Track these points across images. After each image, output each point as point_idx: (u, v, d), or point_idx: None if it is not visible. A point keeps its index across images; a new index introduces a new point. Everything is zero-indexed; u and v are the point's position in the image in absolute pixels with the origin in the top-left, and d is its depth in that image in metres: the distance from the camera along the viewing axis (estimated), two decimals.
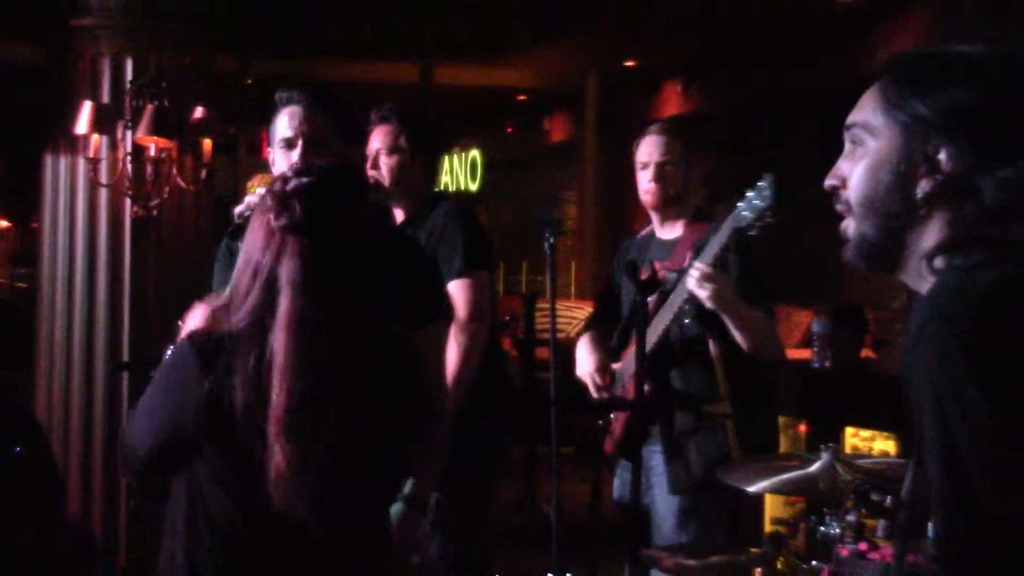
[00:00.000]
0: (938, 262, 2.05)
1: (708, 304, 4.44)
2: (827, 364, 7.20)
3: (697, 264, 4.44)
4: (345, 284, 2.89)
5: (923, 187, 2.05)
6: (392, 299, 3.07)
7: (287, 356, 2.76)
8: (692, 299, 4.49)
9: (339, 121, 3.90)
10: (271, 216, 2.82)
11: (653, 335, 4.61)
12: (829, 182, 2.19)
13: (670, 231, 4.93)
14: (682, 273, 4.60)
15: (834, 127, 2.22)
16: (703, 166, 4.98)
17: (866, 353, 8.57)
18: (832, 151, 2.27)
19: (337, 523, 2.91)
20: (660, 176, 4.85)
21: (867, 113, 2.14)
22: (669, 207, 4.90)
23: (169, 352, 3.00)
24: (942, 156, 2.03)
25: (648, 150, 4.88)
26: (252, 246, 2.88)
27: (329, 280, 2.85)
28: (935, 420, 1.95)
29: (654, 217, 4.99)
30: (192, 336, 2.88)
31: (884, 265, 2.19)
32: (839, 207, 2.17)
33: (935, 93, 2.05)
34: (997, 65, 2.06)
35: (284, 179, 2.91)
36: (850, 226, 2.17)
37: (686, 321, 4.57)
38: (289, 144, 3.78)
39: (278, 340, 2.76)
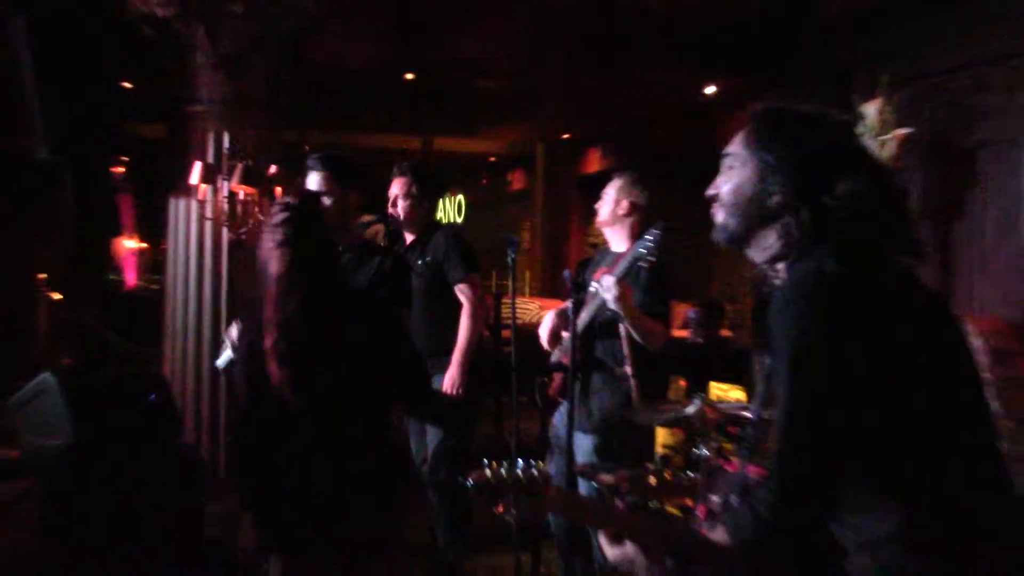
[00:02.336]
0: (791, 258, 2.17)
1: (610, 304, 4.41)
2: (699, 340, 7.29)
3: (606, 277, 4.40)
4: (309, 273, 3.12)
5: (769, 204, 2.16)
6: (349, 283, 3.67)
7: (295, 305, 3.08)
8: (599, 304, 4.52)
9: (339, 176, 4.18)
10: (268, 239, 3.13)
11: (584, 320, 4.61)
12: (709, 192, 2.30)
13: (618, 246, 4.90)
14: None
15: (704, 181, 2.31)
16: (638, 200, 4.88)
17: (725, 332, 8.65)
18: (700, 198, 2.37)
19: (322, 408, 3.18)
20: (615, 203, 4.86)
21: (737, 147, 2.25)
22: (608, 228, 4.91)
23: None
24: (775, 188, 2.15)
25: (609, 187, 4.91)
26: (260, 254, 3.17)
27: (300, 271, 3.10)
28: (790, 366, 2.03)
29: (606, 235, 4.99)
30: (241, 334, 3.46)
31: (737, 246, 2.27)
32: (715, 205, 2.28)
33: (775, 147, 2.17)
34: (819, 128, 2.20)
35: (275, 213, 3.19)
36: (719, 215, 2.27)
37: (607, 312, 4.52)
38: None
39: (289, 302, 3.07)
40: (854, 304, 2.04)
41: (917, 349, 2.10)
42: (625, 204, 4.86)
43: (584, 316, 4.61)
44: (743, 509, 2.12)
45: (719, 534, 2.13)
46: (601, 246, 5.14)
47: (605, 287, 4.38)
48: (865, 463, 2.04)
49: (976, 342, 3.87)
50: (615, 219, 4.88)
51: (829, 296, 2.04)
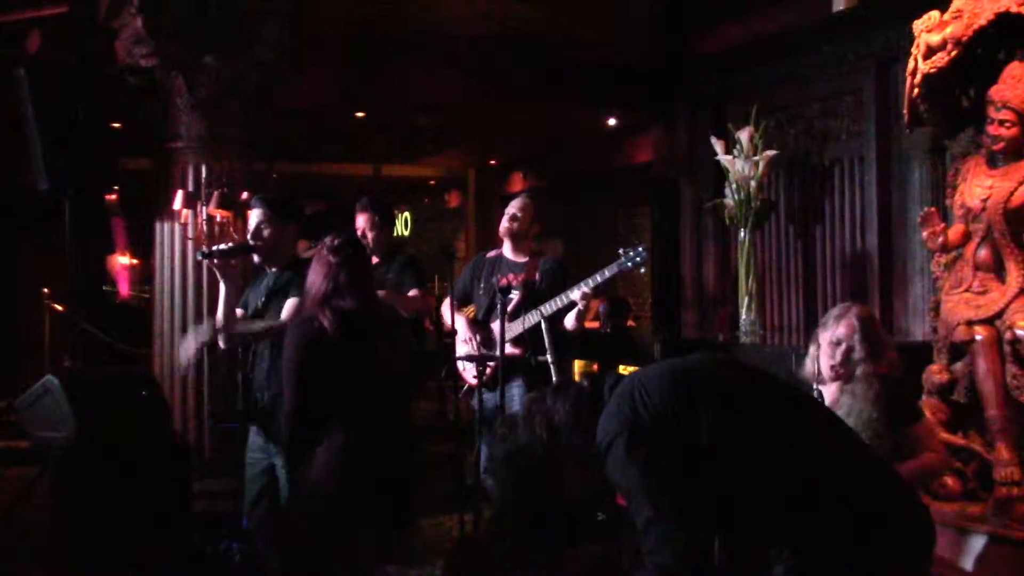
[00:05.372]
0: None
1: (580, 305, 4.65)
2: (608, 330, 7.27)
3: (583, 286, 4.64)
4: (364, 281, 3.55)
5: None
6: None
7: (351, 300, 3.42)
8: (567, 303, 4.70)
9: (277, 212, 4.27)
10: (330, 258, 3.48)
11: (530, 321, 4.79)
12: None
13: (519, 257, 4.99)
14: (529, 284, 4.76)
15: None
16: (539, 222, 5.10)
17: (630, 323, 8.66)
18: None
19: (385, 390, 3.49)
20: (512, 219, 5.01)
21: None
22: (516, 241, 4.95)
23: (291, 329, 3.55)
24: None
25: (511, 206, 5.11)
26: (317, 273, 3.47)
27: (359, 280, 3.49)
28: (626, 491, 2.01)
29: (508, 246, 5.05)
30: (299, 318, 3.56)
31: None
32: None
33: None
34: None
35: (333, 240, 3.53)
36: None
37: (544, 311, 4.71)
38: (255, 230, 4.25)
39: (346, 299, 3.42)
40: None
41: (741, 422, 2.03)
42: (535, 227, 5.06)
43: (534, 317, 4.78)
44: None
45: None
46: (498, 253, 5.15)
47: (583, 294, 4.61)
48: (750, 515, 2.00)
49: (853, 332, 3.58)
50: (526, 236, 5.03)
51: (633, 437, 2.00)
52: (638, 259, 4.63)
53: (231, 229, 6.02)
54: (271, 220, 4.23)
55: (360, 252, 3.65)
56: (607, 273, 4.66)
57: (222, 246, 4.28)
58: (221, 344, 4.29)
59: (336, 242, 3.53)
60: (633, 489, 1.96)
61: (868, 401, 3.38)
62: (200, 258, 4.15)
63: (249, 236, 4.27)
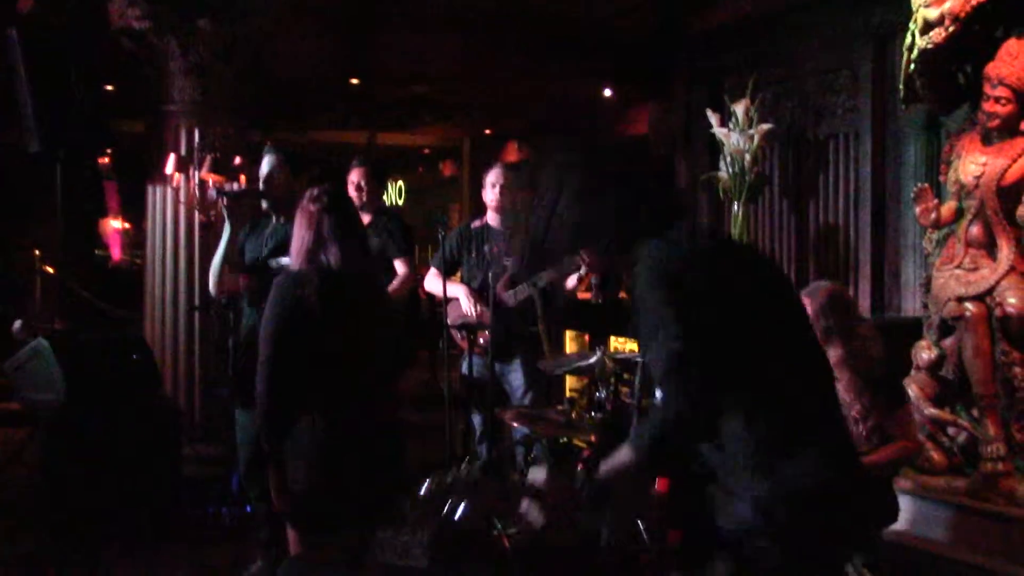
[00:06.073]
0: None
1: (581, 271, 4.79)
2: (600, 301, 7.25)
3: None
4: (350, 231, 3.27)
5: None
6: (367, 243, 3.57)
7: (337, 253, 3.20)
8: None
9: (289, 162, 4.29)
10: (311, 207, 3.25)
11: (523, 293, 4.84)
12: None
13: (508, 227, 4.97)
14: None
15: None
16: (520, 191, 5.10)
17: (622, 295, 8.64)
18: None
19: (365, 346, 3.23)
20: (500, 193, 4.99)
21: None
22: (504, 211, 5.01)
23: (274, 286, 3.23)
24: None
25: (494, 177, 5.03)
26: (300, 226, 3.27)
27: (343, 229, 3.25)
28: (649, 322, 2.08)
29: (494, 216, 5.03)
30: (284, 274, 3.26)
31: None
32: None
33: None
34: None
35: (313, 191, 3.31)
36: None
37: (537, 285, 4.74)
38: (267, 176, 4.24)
39: (331, 251, 3.20)
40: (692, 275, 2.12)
41: (752, 298, 2.15)
42: (519, 193, 5.05)
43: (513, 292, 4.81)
44: (642, 427, 2.19)
45: (624, 453, 2.14)
46: (483, 223, 5.13)
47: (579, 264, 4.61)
48: (730, 399, 2.07)
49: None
50: (513, 205, 5.06)
51: (675, 266, 2.11)
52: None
53: None
54: (284, 168, 4.25)
55: (346, 201, 3.44)
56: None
57: (235, 186, 4.30)
58: (212, 290, 4.29)
59: (317, 191, 3.31)
60: (653, 311, 2.08)
61: (844, 379, 3.39)
62: (215, 195, 4.18)
63: (261, 182, 4.28)
